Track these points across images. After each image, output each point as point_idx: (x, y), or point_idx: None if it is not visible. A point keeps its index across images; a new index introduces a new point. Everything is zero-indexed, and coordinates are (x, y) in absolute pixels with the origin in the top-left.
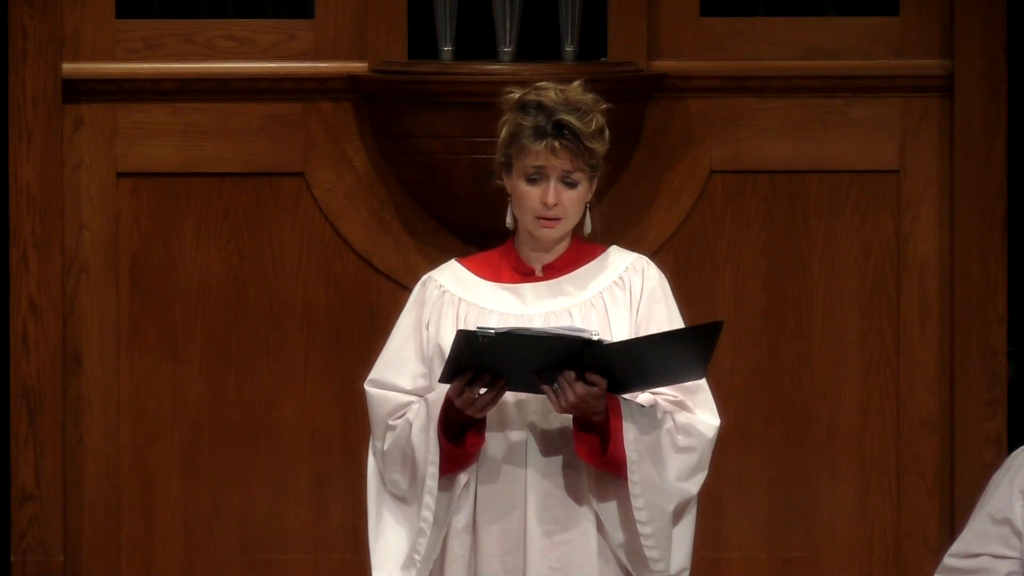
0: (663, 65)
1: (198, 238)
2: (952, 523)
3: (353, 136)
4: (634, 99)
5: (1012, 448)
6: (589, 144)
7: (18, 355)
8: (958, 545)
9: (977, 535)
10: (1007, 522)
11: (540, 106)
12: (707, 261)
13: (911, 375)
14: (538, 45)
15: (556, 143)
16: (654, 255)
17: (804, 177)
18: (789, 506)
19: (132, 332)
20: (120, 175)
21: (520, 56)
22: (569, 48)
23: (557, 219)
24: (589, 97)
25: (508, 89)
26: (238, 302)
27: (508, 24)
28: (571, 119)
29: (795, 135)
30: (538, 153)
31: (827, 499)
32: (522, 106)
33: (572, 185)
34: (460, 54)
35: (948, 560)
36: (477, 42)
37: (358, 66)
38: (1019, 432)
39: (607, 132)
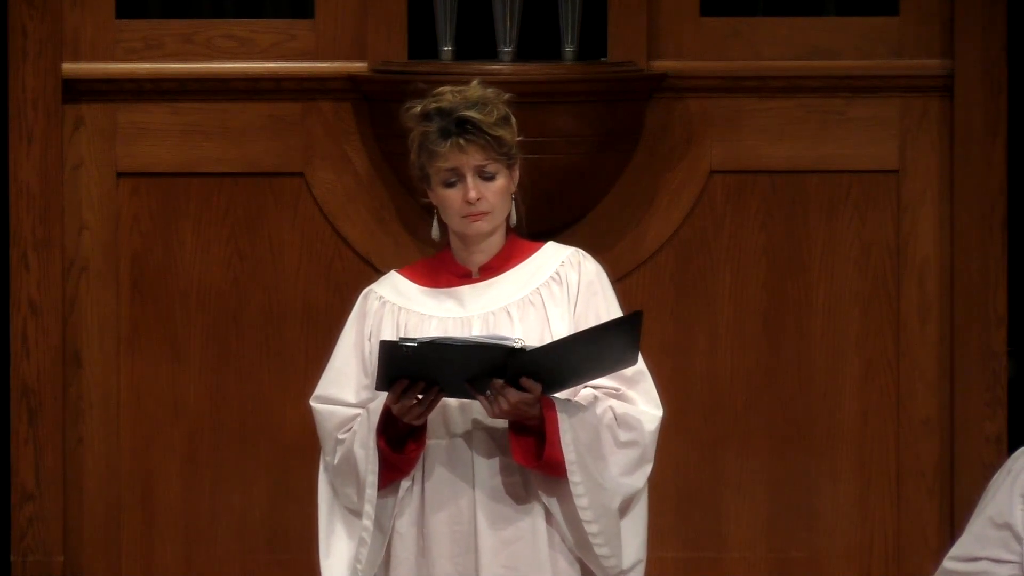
0: (663, 65)
1: (198, 238)
2: (952, 523)
3: (353, 136)
4: (634, 99)
5: (1012, 448)
6: (495, 133)
7: (18, 355)
8: (957, 548)
9: (977, 538)
10: (1007, 526)
11: (440, 111)
12: (707, 261)
13: (911, 375)
14: (538, 45)
15: (461, 140)
16: (654, 255)
17: (804, 177)
18: (789, 506)
19: (132, 332)
20: (120, 175)
21: (520, 56)
22: (569, 48)
23: (484, 213)
24: (489, 91)
25: (408, 104)
26: (238, 302)
27: (508, 24)
28: (471, 113)
29: (795, 135)
30: (446, 154)
31: (827, 499)
32: (424, 115)
33: (490, 177)
34: (460, 54)
35: (947, 563)
36: (477, 42)
37: (358, 66)
38: (1019, 432)
39: (513, 120)
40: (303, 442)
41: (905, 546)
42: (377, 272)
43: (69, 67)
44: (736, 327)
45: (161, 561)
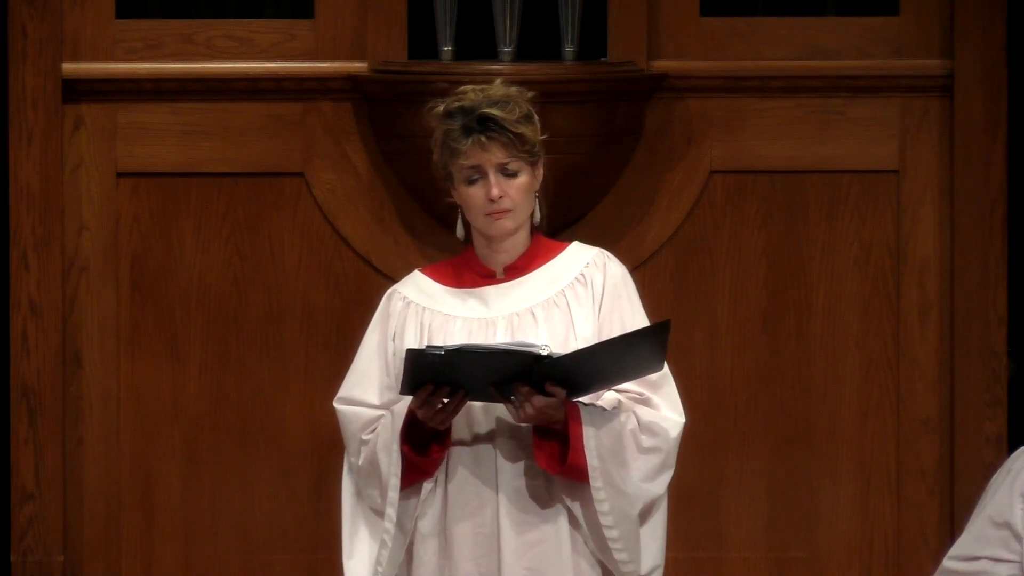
0: (663, 65)
1: (198, 238)
2: (952, 523)
3: (353, 136)
4: (634, 99)
5: (1012, 448)
6: (517, 130)
7: (18, 355)
8: (957, 547)
9: (977, 538)
10: (1007, 525)
11: (462, 109)
12: (707, 261)
13: (911, 375)
14: (538, 45)
15: (483, 137)
16: (654, 255)
17: (804, 177)
18: (789, 506)
19: (132, 332)
20: (120, 175)
21: (520, 56)
22: (569, 48)
23: (507, 210)
24: (513, 90)
25: (430, 103)
26: (238, 302)
27: (508, 24)
28: (493, 111)
29: (795, 135)
30: (468, 151)
31: (827, 499)
32: (447, 114)
33: (513, 174)
34: (460, 54)
35: (947, 563)
36: (477, 42)
37: (358, 66)
38: (1019, 432)
39: (536, 118)
40: (303, 442)
41: (905, 546)
42: (377, 272)
43: (69, 67)
44: (736, 327)
45: (161, 561)
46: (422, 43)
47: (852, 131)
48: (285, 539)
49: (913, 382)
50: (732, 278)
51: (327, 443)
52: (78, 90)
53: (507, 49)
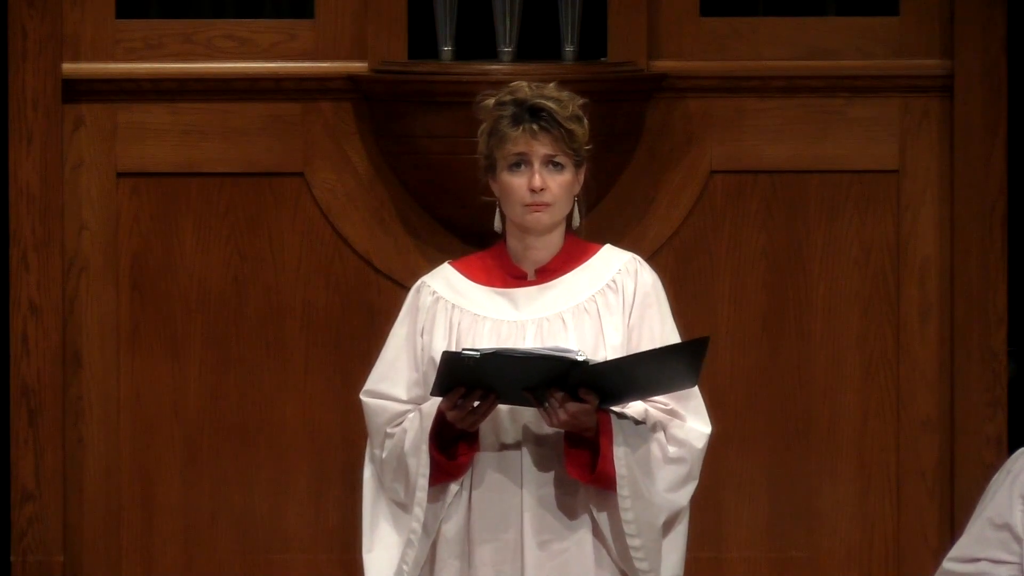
0: (663, 65)
1: (198, 238)
2: (952, 523)
3: (353, 136)
4: (634, 99)
5: (1012, 448)
6: (568, 126)
7: (18, 355)
8: (957, 549)
9: (976, 539)
10: (1007, 527)
11: (515, 100)
12: (707, 261)
13: (911, 375)
14: (538, 45)
15: (535, 126)
16: (654, 255)
17: (804, 177)
18: (789, 506)
19: (132, 332)
20: (120, 175)
21: (520, 56)
22: (569, 48)
23: (546, 204)
24: (564, 92)
25: (480, 96)
26: (238, 302)
27: (508, 24)
28: (547, 103)
29: (795, 135)
30: (517, 139)
31: (827, 499)
32: (499, 104)
33: (557, 169)
34: (460, 54)
35: (947, 564)
36: (477, 42)
37: (358, 66)
38: (1019, 432)
39: (586, 123)
40: (303, 442)
41: (905, 546)
42: (377, 272)
43: (69, 67)
44: (736, 327)
45: (161, 561)
46: (422, 43)
47: (852, 131)
48: (285, 539)
49: (913, 382)
50: (732, 278)
51: (327, 443)
52: (78, 90)
53: (507, 49)
